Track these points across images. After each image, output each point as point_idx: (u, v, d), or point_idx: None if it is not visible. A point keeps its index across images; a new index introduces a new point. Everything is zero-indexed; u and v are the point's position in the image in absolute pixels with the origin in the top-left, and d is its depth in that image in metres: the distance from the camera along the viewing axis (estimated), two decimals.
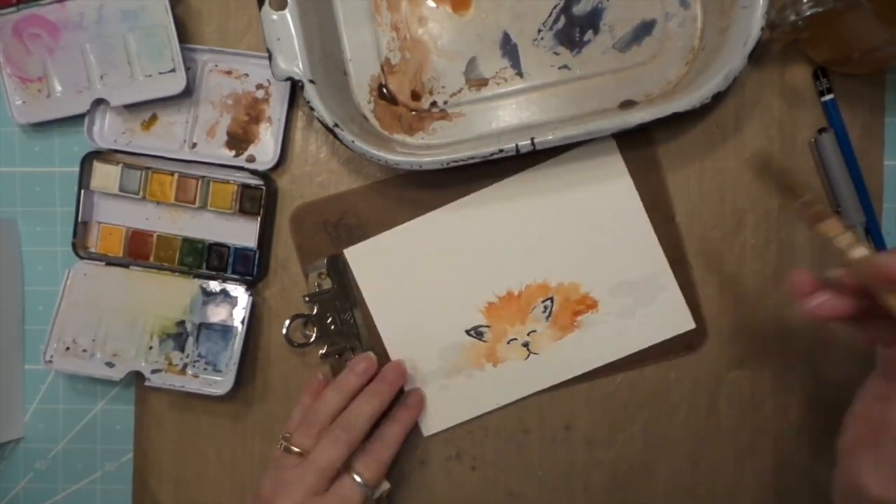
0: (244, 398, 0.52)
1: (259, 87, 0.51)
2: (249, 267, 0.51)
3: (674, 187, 0.50)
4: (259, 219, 0.50)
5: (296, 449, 0.46)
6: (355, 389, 0.48)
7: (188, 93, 0.50)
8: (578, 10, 0.49)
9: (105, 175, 0.51)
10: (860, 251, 0.35)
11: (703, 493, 0.51)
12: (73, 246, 0.51)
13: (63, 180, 0.53)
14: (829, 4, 0.42)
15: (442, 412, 0.51)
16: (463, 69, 0.50)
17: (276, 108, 0.51)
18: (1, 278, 0.52)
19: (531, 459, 0.51)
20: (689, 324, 0.50)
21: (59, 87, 0.51)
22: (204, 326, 0.51)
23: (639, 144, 0.50)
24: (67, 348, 0.51)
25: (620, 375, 0.51)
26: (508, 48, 0.49)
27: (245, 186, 0.51)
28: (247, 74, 0.51)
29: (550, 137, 0.45)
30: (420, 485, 0.52)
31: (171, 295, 0.51)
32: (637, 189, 0.49)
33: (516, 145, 0.45)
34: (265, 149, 0.51)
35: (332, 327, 0.51)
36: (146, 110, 0.51)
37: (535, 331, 0.50)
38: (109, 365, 0.51)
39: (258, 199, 0.50)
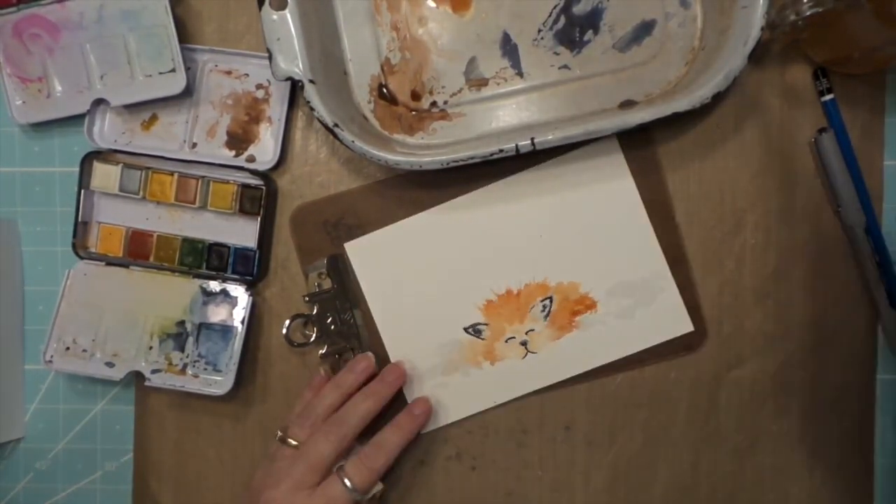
0: (244, 398, 0.52)
1: (259, 87, 0.51)
2: (249, 267, 0.51)
3: (674, 187, 0.50)
4: (259, 219, 0.50)
5: (291, 441, 0.46)
6: (353, 387, 0.49)
7: (188, 93, 0.50)
8: (578, 10, 0.49)
9: (105, 175, 0.51)
10: None
11: (703, 493, 0.51)
12: (73, 246, 0.51)
13: (63, 180, 0.53)
14: (829, 4, 0.42)
15: (439, 409, 0.51)
16: (463, 69, 0.50)
17: (276, 108, 0.51)
18: (1, 278, 0.52)
19: (531, 459, 0.51)
20: (687, 326, 0.50)
21: (59, 87, 0.51)
22: (204, 326, 0.51)
23: (639, 144, 0.50)
24: (67, 348, 0.51)
25: (620, 375, 0.51)
26: (508, 48, 0.49)
27: (245, 186, 0.51)
28: (247, 74, 0.51)
29: (550, 137, 0.45)
30: (420, 485, 0.52)
31: (171, 295, 0.51)
32: (637, 189, 0.49)
33: (516, 145, 0.45)
34: (265, 149, 0.51)
35: (332, 327, 0.51)
36: (146, 110, 0.51)
37: (533, 330, 0.51)
38: (109, 365, 0.51)
39: (258, 199, 0.50)
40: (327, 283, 0.51)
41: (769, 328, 0.50)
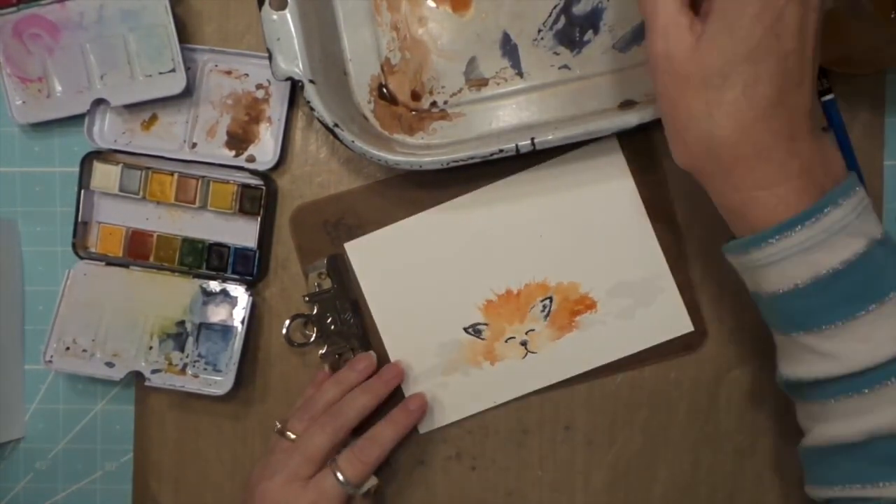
0: (244, 398, 0.52)
1: (259, 87, 0.51)
2: (249, 267, 0.51)
3: (674, 187, 0.50)
4: (259, 219, 0.50)
5: (289, 434, 0.46)
6: (353, 385, 0.49)
7: (188, 93, 0.50)
8: (578, 10, 0.49)
9: (105, 175, 0.51)
10: None
11: (703, 493, 0.51)
12: (73, 246, 0.51)
13: (63, 180, 0.53)
14: (829, 4, 0.42)
15: (439, 410, 0.51)
16: (463, 69, 0.50)
17: (276, 108, 0.51)
18: (1, 278, 0.52)
19: (531, 459, 0.51)
20: (686, 327, 0.50)
21: (59, 87, 0.51)
22: (204, 326, 0.51)
23: (639, 144, 0.50)
24: (67, 348, 0.51)
25: (620, 375, 0.51)
26: (508, 48, 0.49)
27: (245, 186, 0.51)
28: (247, 74, 0.51)
29: (550, 137, 0.45)
30: (420, 485, 0.52)
31: (171, 295, 0.51)
32: (637, 189, 0.49)
33: (516, 145, 0.45)
34: (265, 149, 0.51)
35: (332, 327, 0.51)
36: (146, 110, 0.51)
37: (533, 330, 0.51)
38: (109, 365, 0.51)
39: (258, 199, 0.50)
40: (327, 283, 0.51)
41: (769, 328, 0.50)
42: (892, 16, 0.42)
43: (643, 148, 0.50)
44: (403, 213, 0.51)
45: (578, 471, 0.51)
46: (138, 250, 0.52)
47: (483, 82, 0.50)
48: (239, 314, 0.51)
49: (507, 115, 0.49)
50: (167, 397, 0.52)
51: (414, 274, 0.51)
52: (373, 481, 0.47)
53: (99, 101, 0.50)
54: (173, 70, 0.49)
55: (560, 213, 0.50)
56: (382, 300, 0.51)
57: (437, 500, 0.52)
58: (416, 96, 0.50)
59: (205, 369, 0.51)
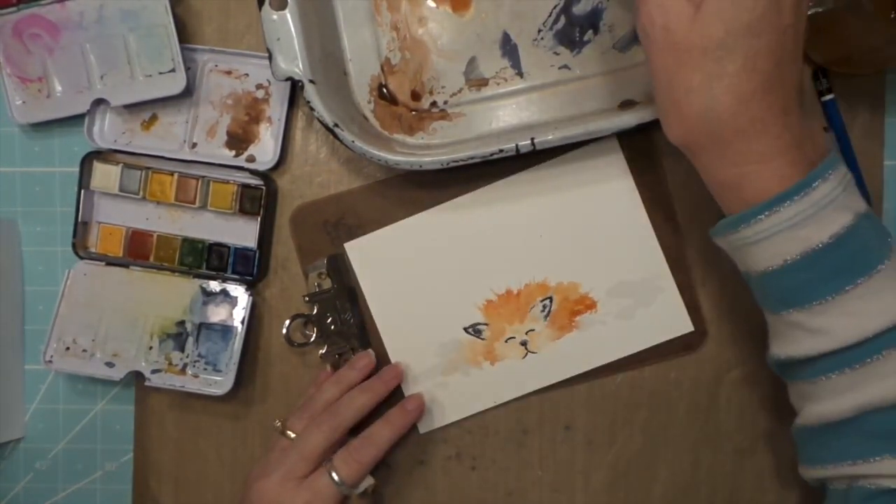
0: (244, 398, 0.52)
1: (259, 87, 0.51)
2: (249, 267, 0.51)
3: (674, 187, 0.50)
4: (259, 219, 0.50)
5: (288, 432, 0.47)
6: (353, 384, 0.49)
7: (188, 93, 0.50)
8: (578, 10, 0.49)
9: (105, 175, 0.51)
10: None
11: (703, 493, 0.51)
12: (73, 246, 0.51)
13: (63, 180, 0.53)
14: (829, 4, 0.42)
15: (439, 410, 0.51)
16: (463, 69, 0.50)
17: (276, 108, 0.51)
18: (1, 278, 0.52)
19: (531, 459, 0.51)
20: (686, 327, 0.50)
21: (59, 87, 0.51)
22: (204, 326, 0.51)
23: (639, 144, 0.50)
24: (67, 348, 0.51)
25: (620, 375, 0.51)
26: (508, 48, 0.49)
27: (245, 186, 0.51)
28: (247, 74, 0.51)
29: (550, 137, 0.45)
30: (420, 485, 0.52)
31: (171, 295, 0.51)
32: (637, 189, 0.49)
33: (516, 145, 0.45)
34: (265, 149, 0.51)
35: (332, 327, 0.51)
36: (146, 110, 0.51)
37: (533, 330, 0.51)
38: (109, 365, 0.51)
39: (258, 199, 0.50)
40: (327, 283, 0.51)
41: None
42: (892, 16, 0.42)
43: (643, 148, 0.50)
44: (403, 213, 0.51)
45: (578, 471, 0.51)
46: (138, 250, 0.52)
47: (483, 82, 0.50)
48: (239, 314, 0.51)
49: (507, 115, 0.49)
50: (167, 397, 0.52)
51: (414, 274, 0.51)
52: (369, 481, 0.47)
53: (99, 101, 0.50)
54: (173, 70, 0.49)
55: (560, 213, 0.50)
56: (382, 300, 0.51)
57: (437, 500, 0.52)
58: (416, 96, 0.50)
59: (205, 369, 0.51)
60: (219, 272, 0.51)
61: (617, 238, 0.50)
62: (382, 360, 0.51)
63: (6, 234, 0.53)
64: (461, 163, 0.46)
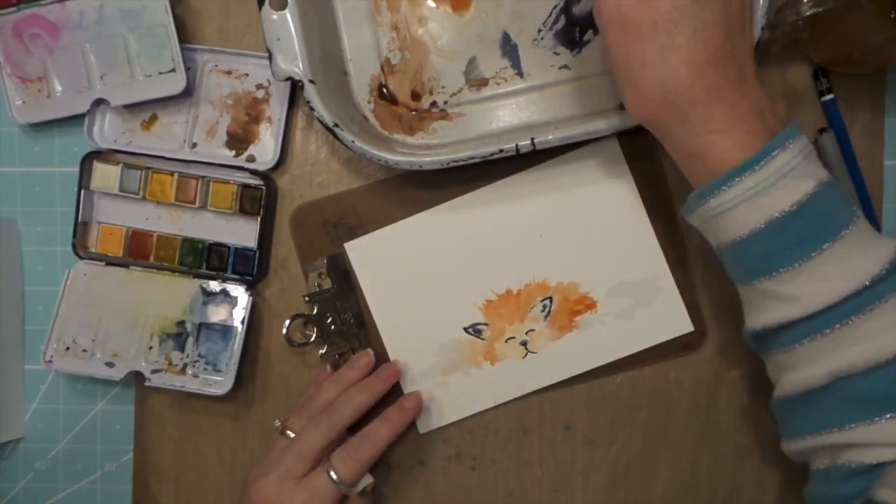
0: (244, 398, 0.52)
1: (259, 87, 0.51)
2: (249, 267, 0.51)
3: (674, 187, 0.50)
4: (259, 219, 0.50)
5: (287, 432, 0.47)
6: (352, 383, 0.49)
7: (188, 93, 0.50)
8: (578, 10, 0.49)
9: (105, 175, 0.51)
10: None
11: (703, 493, 0.51)
12: (73, 246, 0.51)
13: (63, 180, 0.53)
14: (829, 4, 0.42)
15: (438, 409, 0.51)
16: (463, 69, 0.50)
17: (276, 108, 0.51)
18: (1, 278, 0.52)
19: (531, 459, 0.51)
20: (686, 327, 0.50)
21: (59, 87, 0.51)
22: (204, 326, 0.51)
23: (639, 144, 0.50)
24: (67, 348, 0.51)
25: (620, 375, 0.51)
26: (508, 48, 0.49)
27: (245, 186, 0.51)
28: (247, 74, 0.51)
29: (550, 137, 0.45)
30: (420, 485, 0.52)
31: (171, 295, 0.51)
32: (637, 189, 0.49)
33: (516, 145, 0.45)
34: (265, 149, 0.51)
35: (332, 327, 0.51)
36: (146, 110, 0.51)
37: (533, 330, 0.51)
38: (109, 365, 0.51)
39: (258, 199, 0.50)
40: (327, 283, 0.51)
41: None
42: (892, 16, 0.42)
43: (643, 148, 0.50)
44: (403, 213, 0.51)
45: (578, 471, 0.51)
46: (138, 250, 0.52)
47: (483, 82, 0.50)
48: (239, 314, 0.51)
49: (507, 115, 0.49)
50: (167, 397, 0.52)
51: (414, 274, 0.51)
52: (368, 480, 0.46)
53: (99, 101, 0.50)
54: (173, 70, 0.49)
55: (560, 213, 0.50)
56: (382, 300, 0.51)
57: (437, 500, 0.52)
58: (416, 96, 0.50)
59: (205, 369, 0.51)
60: (219, 272, 0.51)
61: (617, 238, 0.50)
62: (382, 359, 0.51)
63: (6, 234, 0.53)
64: (461, 163, 0.46)
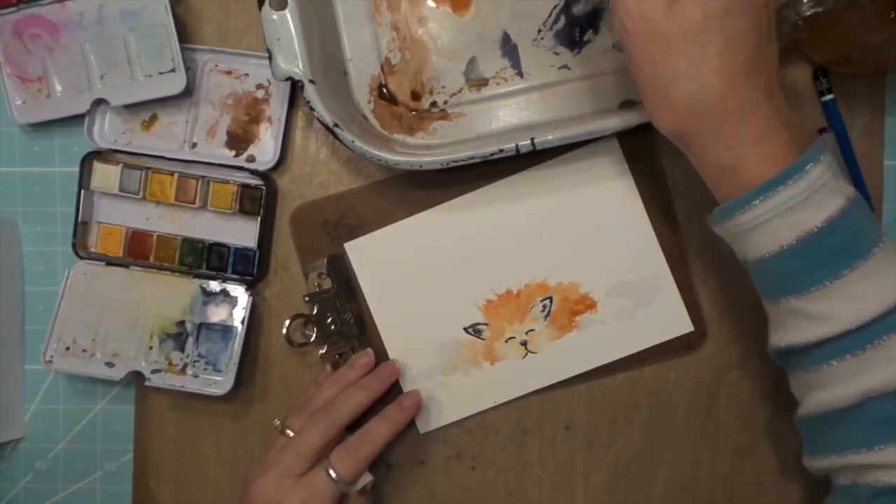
0: (244, 398, 0.52)
1: (259, 87, 0.51)
2: (249, 267, 0.51)
3: (674, 187, 0.50)
4: (259, 219, 0.50)
5: (287, 431, 0.47)
6: (352, 382, 0.49)
7: (188, 93, 0.50)
8: (578, 10, 0.49)
9: (105, 175, 0.51)
10: None
11: (703, 493, 0.51)
12: (73, 246, 0.51)
13: (63, 180, 0.53)
14: (829, 4, 0.42)
15: (439, 410, 0.51)
16: (463, 69, 0.50)
17: (276, 108, 0.51)
18: (1, 278, 0.52)
19: (531, 459, 0.51)
20: (686, 327, 0.50)
21: (59, 87, 0.51)
22: (204, 326, 0.51)
23: (639, 144, 0.49)
24: (67, 348, 0.51)
25: (620, 375, 0.51)
26: (508, 48, 0.49)
27: (245, 186, 0.51)
28: (247, 74, 0.51)
29: (550, 137, 0.45)
30: (420, 484, 0.52)
31: (171, 295, 0.51)
32: (637, 189, 0.49)
33: (516, 145, 0.45)
34: (265, 149, 0.51)
35: (332, 327, 0.51)
36: (146, 110, 0.51)
37: (533, 330, 0.50)
38: (109, 365, 0.51)
39: (258, 199, 0.50)
40: (327, 283, 0.51)
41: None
42: (892, 16, 0.42)
43: (643, 148, 0.50)
44: (403, 213, 0.51)
45: (578, 471, 0.51)
46: (138, 250, 0.52)
47: (483, 82, 0.50)
48: (239, 314, 0.51)
49: (507, 115, 0.49)
50: (167, 397, 0.52)
51: (414, 274, 0.51)
52: (367, 478, 0.46)
53: (99, 101, 0.50)
54: (173, 70, 0.49)
55: (560, 213, 0.50)
56: (382, 300, 0.51)
57: (437, 500, 0.52)
58: (416, 96, 0.50)
59: (205, 369, 0.51)
60: (219, 272, 0.51)
61: (617, 238, 0.50)
62: (382, 359, 0.51)
63: (6, 234, 0.53)
64: (461, 163, 0.46)
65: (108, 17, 0.49)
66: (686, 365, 0.50)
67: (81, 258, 0.52)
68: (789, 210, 0.36)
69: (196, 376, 0.51)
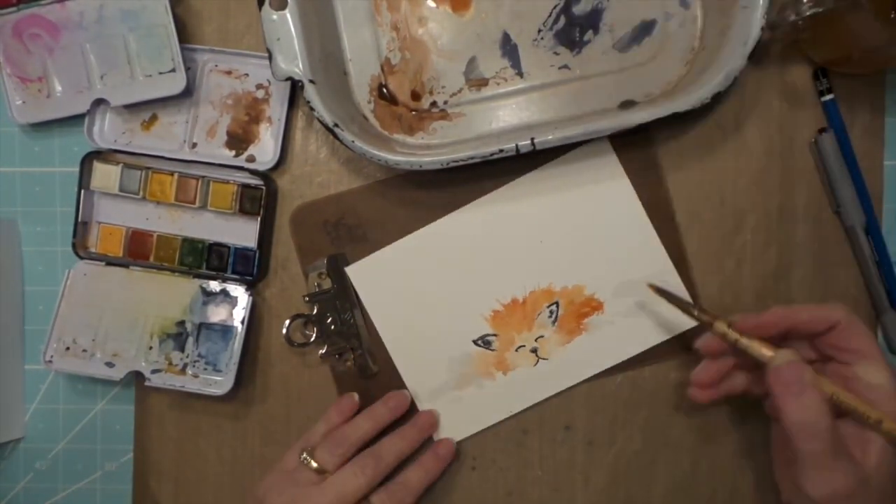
0: (244, 398, 0.52)
1: (259, 87, 0.51)
2: (249, 267, 0.51)
3: (674, 187, 0.50)
4: (259, 219, 0.50)
5: (315, 464, 0.46)
6: (386, 422, 0.49)
7: (188, 93, 0.50)
8: (578, 10, 0.49)
9: (105, 175, 0.51)
10: (753, 344, 0.42)
11: (703, 493, 0.51)
12: (73, 246, 0.51)
13: (63, 180, 0.53)
14: (829, 4, 0.42)
15: (456, 424, 0.51)
16: (463, 69, 0.50)
17: (276, 108, 0.51)
18: (1, 278, 0.52)
19: (531, 459, 0.51)
20: (690, 323, 0.50)
21: (59, 87, 0.51)
22: (204, 326, 0.51)
23: (638, 145, 0.50)
24: (67, 348, 0.51)
25: (620, 375, 0.51)
26: (508, 48, 0.49)
27: (245, 186, 0.51)
28: (247, 74, 0.51)
29: (550, 137, 0.45)
30: None
31: (171, 295, 0.51)
32: (636, 189, 0.49)
33: (516, 145, 0.45)
34: (265, 149, 0.51)
35: (332, 327, 0.51)
36: (146, 110, 0.51)
37: (542, 336, 0.50)
38: (109, 365, 0.51)
39: (258, 199, 0.50)
40: (327, 283, 0.51)
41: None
42: (892, 16, 0.42)
43: (643, 148, 0.50)
44: (403, 213, 0.51)
45: (578, 471, 0.51)
46: (138, 250, 0.52)
47: (483, 82, 0.50)
48: (239, 314, 0.51)
49: (507, 115, 0.49)
50: (167, 397, 0.52)
51: (418, 291, 0.51)
52: None
53: (99, 101, 0.50)
54: (173, 70, 0.49)
55: (559, 216, 0.50)
56: (390, 321, 0.51)
57: (438, 500, 0.52)
58: (416, 96, 0.50)
59: (205, 369, 0.51)
60: (219, 272, 0.51)
61: (618, 238, 0.50)
62: (383, 360, 0.51)
63: (6, 234, 0.53)
64: (461, 163, 0.46)
65: (108, 17, 0.49)
66: (686, 365, 0.50)
67: (81, 258, 0.52)
68: None
69: (196, 376, 0.51)
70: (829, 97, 0.48)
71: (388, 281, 0.51)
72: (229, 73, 0.51)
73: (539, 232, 0.50)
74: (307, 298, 0.51)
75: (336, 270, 0.51)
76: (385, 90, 0.50)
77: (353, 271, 0.51)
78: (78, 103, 0.50)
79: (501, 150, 0.45)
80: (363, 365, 0.51)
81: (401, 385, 0.51)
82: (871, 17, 0.41)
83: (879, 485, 0.37)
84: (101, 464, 0.54)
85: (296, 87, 0.47)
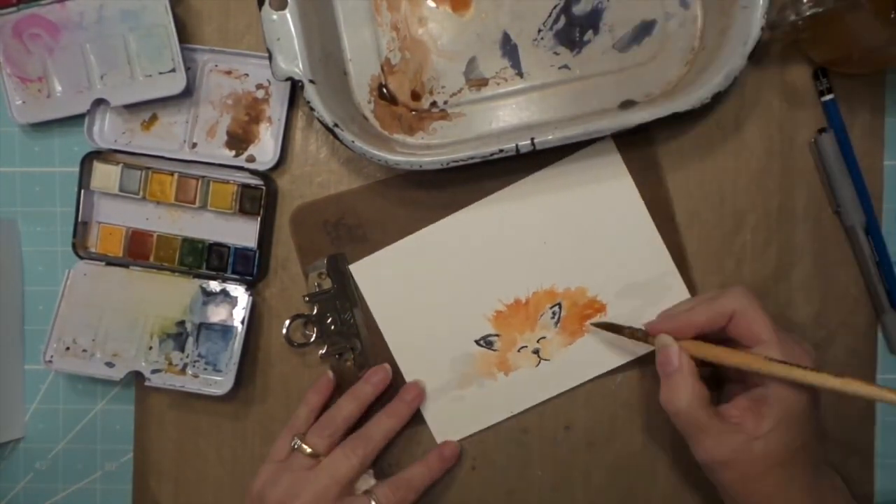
0: (244, 398, 0.52)
1: (259, 87, 0.51)
2: (249, 267, 0.51)
3: (674, 187, 0.50)
4: (259, 219, 0.50)
5: (308, 449, 0.46)
6: (370, 399, 0.49)
7: (188, 93, 0.50)
8: (578, 10, 0.49)
9: (105, 175, 0.51)
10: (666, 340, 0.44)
11: (703, 493, 0.51)
12: (73, 246, 0.51)
13: (63, 180, 0.53)
14: (829, 4, 0.42)
15: (456, 423, 0.51)
16: (463, 69, 0.50)
17: (276, 108, 0.51)
18: (1, 278, 0.52)
19: (531, 459, 0.51)
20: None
21: (59, 87, 0.51)
22: (204, 326, 0.51)
23: (639, 145, 0.50)
24: (67, 348, 0.51)
25: (620, 375, 0.51)
26: (508, 48, 0.49)
27: (245, 186, 0.51)
28: (247, 74, 0.51)
29: (550, 137, 0.45)
30: None
31: (171, 295, 0.51)
32: (637, 189, 0.49)
33: (516, 145, 0.45)
34: (265, 149, 0.51)
35: (332, 327, 0.51)
36: (146, 110, 0.51)
37: (544, 337, 0.50)
38: (109, 365, 0.51)
39: (258, 199, 0.50)
40: (327, 283, 0.51)
41: None
42: (892, 16, 0.42)
43: (643, 148, 0.50)
44: (403, 213, 0.51)
45: (578, 471, 0.51)
46: (138, 250, 0.52)
47: (483, 82, 0.50)
48: (239, 314, 0.51)
49: (507, 115, 0.49)
50: (167, 397, 0.52)
51: (421, 291, 0.51)
52: None
53: (99, 101, 0.50)
54: (173, 70, 0.49)
55: (561, 218, 0.50)
56: (393, 320, 0.51)
57: (438, 500, 0.52)
58: (416, 96, 0.50)
59: (205, 369, 0.51)
60: (219, 272, 0.51)
61: (620, 240, 0.50)
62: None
63: (6, 234, 0.53)
64: (461, 163, 0.46)
65: (108, 17, 0.49)
66: None
67: (81, 258, 0.52)
68: None
69: (196, 376, 0.51)
70: (829, 97, 0.48)
71: (391, 280, 0.51)
72: (229, 73, 0.51)
73: (542, 233, 0.50)
74: (307, 298, 0.51)
75: (336, 270, 0.51)
76: (385, 90, 0.50)
77: (357, 269, 0.51)
78: (78, 103, 0.50)
79: (501, 150, 0.45)
80: (363, 365, 0.51)
81: (401, 385, 0.51)
82: (871, 17, 0.41)
83: (768, 449, 0.40)
84: (101, 464, 0.54)
85: (296, 87, 0.47)
